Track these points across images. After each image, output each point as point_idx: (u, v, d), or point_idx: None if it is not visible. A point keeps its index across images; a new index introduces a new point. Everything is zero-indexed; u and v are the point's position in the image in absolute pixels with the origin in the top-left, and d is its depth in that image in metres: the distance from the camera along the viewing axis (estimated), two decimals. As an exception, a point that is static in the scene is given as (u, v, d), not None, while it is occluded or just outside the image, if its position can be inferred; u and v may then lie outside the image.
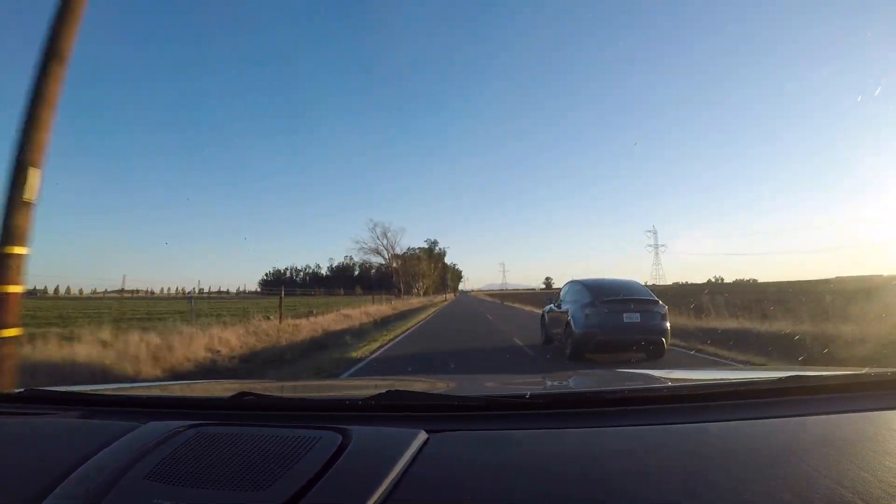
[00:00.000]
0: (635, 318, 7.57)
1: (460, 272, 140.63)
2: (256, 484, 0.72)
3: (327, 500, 0.69)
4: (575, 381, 1.65)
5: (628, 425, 0.88)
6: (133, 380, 5.97)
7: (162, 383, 2.98)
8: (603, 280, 8.77)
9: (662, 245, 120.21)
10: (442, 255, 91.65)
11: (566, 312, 8.42)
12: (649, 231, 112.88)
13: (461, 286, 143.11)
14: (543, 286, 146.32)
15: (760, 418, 0.90)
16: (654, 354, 7.65)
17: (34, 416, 1.13)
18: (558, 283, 11.52)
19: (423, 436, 0.83)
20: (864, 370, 1.18)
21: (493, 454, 0.79)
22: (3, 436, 1.04)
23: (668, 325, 7.76)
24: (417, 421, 0.91)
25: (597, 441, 0.83)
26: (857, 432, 0.83)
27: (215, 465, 0.78)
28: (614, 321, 7.53)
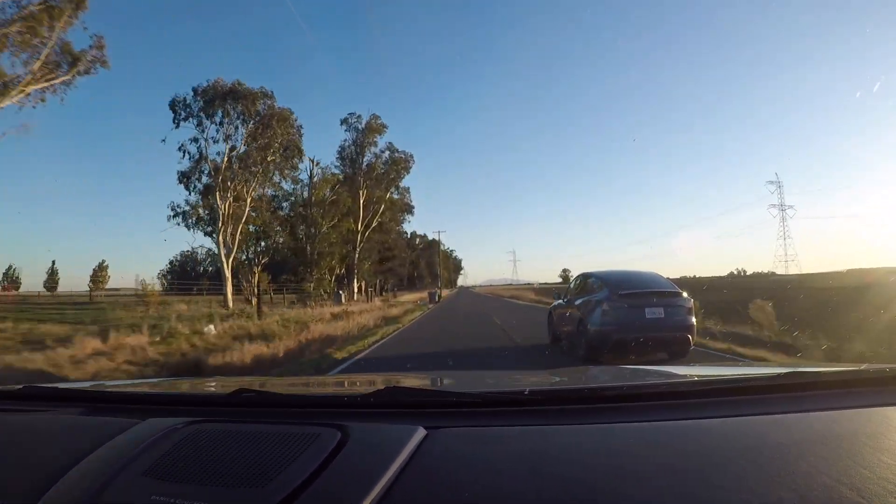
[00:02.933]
0: (658, 313, 6.65)
1: (459, 260, 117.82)
2: (255, 480, 0.72)
3: (326, 496, 0.68)
4: (573, 378, 1.63)
5: (627, 422, 0.88)
6: None
7: (160, 380, 2.91)
8: (619, 272, 7.90)
9: (790, 207, 69.71)
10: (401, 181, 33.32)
11: (578, 308, 7.51)
12: (771, 183, 68.30)
13: (461, 281, 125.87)
14: (560, 280, 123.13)
15: (759, 415, 0.89)
16: (679, 354, 6.75)
17: (33, 413, 1.13)
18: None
19: (421, 432, 0.82)
20: (863, 366, 1.16)
21: (491, 451, 0.78)
22: (1, 432, 1.04)
23: (694, 320, 6.88)
24: (416, 417, 0.91)
25: (595, 438, 0.82)
26: (855, 429, 0.82)
27: (214, 461, 0.78)
28: (635, 317, 6.58)
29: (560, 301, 9.01)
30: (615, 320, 6.65)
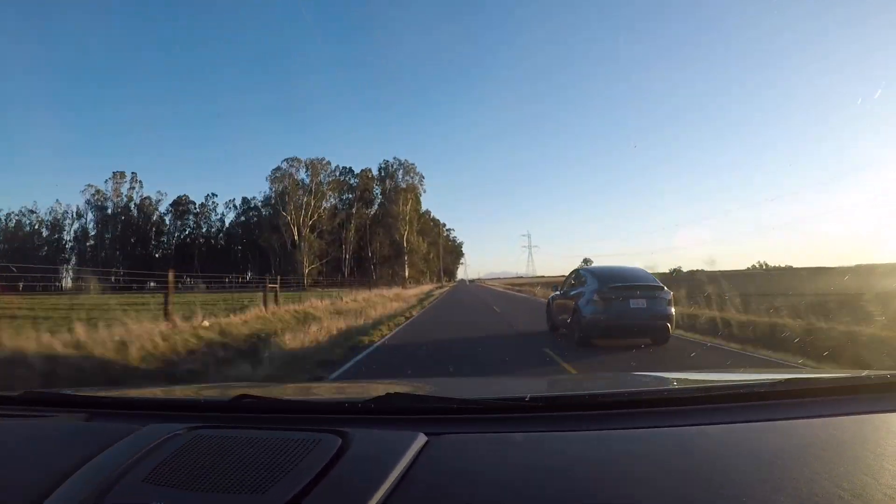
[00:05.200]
0: (641, 304, 7.76)
1: (460, 244, 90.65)
2: (255, 486, 0.72)
3: (326, 502, 0.69)
4: (575, 384, 1.66)
5: (627, 428, 0.89)
6: None
7: (161, 387, 2.97)
8: (609, 267, 9.09)
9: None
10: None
11: (573, 299, 8.61)
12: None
13: (461, 273, 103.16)
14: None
15: (760, 421, 0.90)
16: (660, 340, 7.87)
17: (34, 418, 1.13)
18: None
19: (422, 439, 0.83)
20: (865, 373, 1.18)
21: (492, 457, 0.79)
22: (3, 437, 1.04)
23: (672, 311, 7.96)
24: (417, 424, 0.92)
25: (597, 444, 0.83)
26: (857, 435, 0.83)
27: (214, 467, 0.78)
28: (621, 307, 7.76)
29: (557, 293, 10.13)
30: (604, 309, 7.80)
